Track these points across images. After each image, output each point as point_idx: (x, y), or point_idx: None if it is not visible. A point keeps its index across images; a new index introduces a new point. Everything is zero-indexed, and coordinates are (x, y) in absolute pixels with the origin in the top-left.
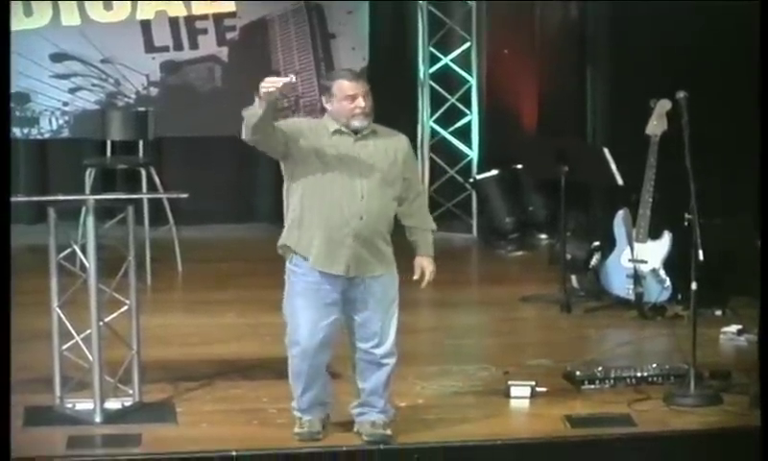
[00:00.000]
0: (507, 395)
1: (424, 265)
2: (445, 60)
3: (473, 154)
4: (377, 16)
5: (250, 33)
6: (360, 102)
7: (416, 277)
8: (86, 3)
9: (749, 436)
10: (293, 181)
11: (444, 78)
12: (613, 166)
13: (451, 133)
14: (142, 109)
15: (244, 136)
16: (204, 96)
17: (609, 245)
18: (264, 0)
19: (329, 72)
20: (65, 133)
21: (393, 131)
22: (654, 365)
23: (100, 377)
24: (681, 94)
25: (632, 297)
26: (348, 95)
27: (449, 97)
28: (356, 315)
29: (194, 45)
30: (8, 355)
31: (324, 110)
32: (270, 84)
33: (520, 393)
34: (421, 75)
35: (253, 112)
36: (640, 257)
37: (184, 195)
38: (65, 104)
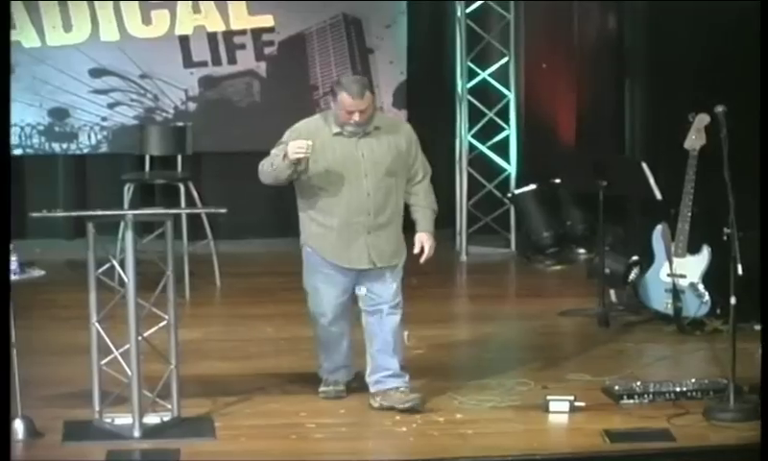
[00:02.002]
0: (545, 409)
1: (424, 240)
2: (483, 74)
3: (511, 168)
4: (415, 31)
5: (288, 47)
6: (356, 117)
7: (416, 250)
8: (125, 19)
9: None
10: (300, 181)
11: (482, 92)
12: (652, 180)
13: (489, 148)
14: (180, 123)
15: (264, 181)
16: (243, 111)
17: (647, 259)
18: (302, 12)
19: (342, 78)
20: (104, 149)
21: (395, 120)
22: (693, 380)
23: (139, 392)
24: (719, 108)
25: (670, 311)
26: (348, 111)
27: (487, 112)
28: (368, 286)
29: (232, 60)
30: (8, 364)
31: None
32: (301, 151)
33: (559, 407)
34: (459, 89)
35: (281, 171)
36: (679, 272)
37: (223, 210)
38: (104, 119)
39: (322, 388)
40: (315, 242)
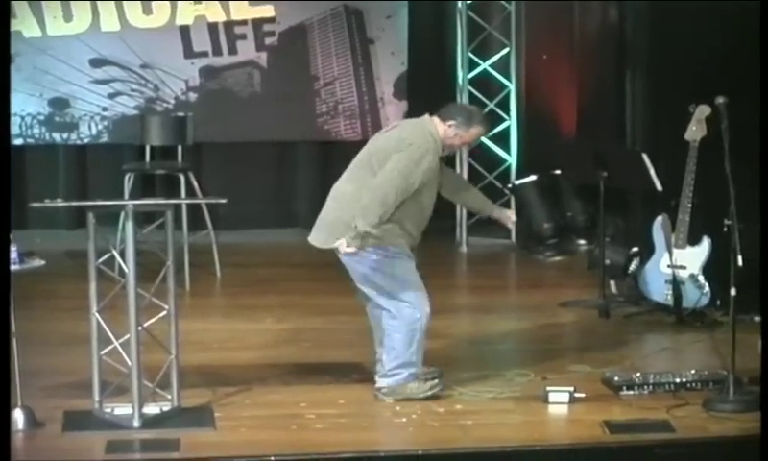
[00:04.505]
0: (545, 400)
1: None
2: (484, 65)
3: (512, 159)
4: (416, 21)
5: (289, 38)
6: (465, 147)
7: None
8: (126, 9)
9: None
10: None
11: (483, 83)
12: (652, 171)
13: (490, 139)
14: (181, 114)
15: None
16: (243, 101)
17: (648, 250)
18: (303, 2)
19: (471, 107)
20: (105, 139)
21: None
22: (693, 371)
23: (138, 382)
24: (720, 99)
25: (671, 302)
26: (467, 141)
27: (488, 102)
28: None
29: (233, 50)
30: (7, 359)
31: (361, 108)
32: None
33: (559, 398)
34: (460, 80)
35: None
36: (679, 263)
37: (223, 200)
38: (105, 109)
39: (427, 392)
40: (397, 240)
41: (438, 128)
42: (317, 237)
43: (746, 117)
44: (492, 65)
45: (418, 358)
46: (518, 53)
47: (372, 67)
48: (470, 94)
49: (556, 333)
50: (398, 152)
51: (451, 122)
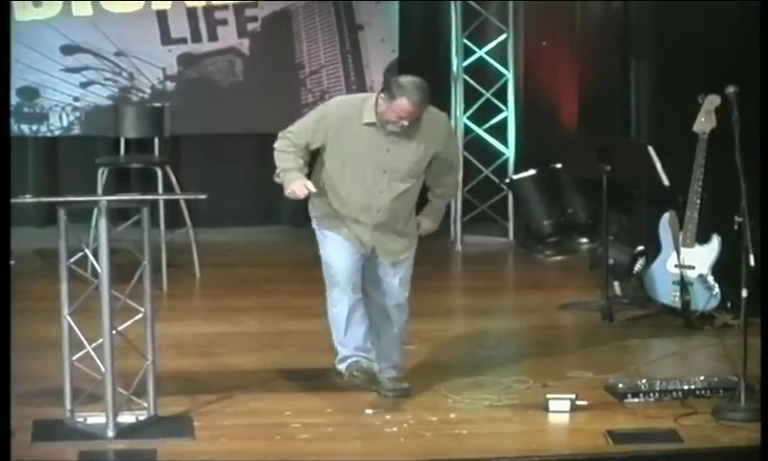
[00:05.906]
0: (545, 408)
1: (422, 222)
2: (480, 52)
3: (510, 152)
4: (408, 6)
5: (272, 24)
6: (405, 122)
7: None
8: None
9: None
10: (322, 156)
11: (479, 71)
12: (659, 165)
13: (486, 131)
14: (158, 104)
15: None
16: (224, 91)
17: (654, 249)
18: None
19: (402, 78)
20: (76, 131)
21: (434, 115)
22: (701, 377)
23: (113, 389)
24: (730, 89)
25: (678, 304)
26: (400, 116)
27: (484, 92)
28: (376, 270)
29: (213, 37)
30: (8, 364)
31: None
32: (299, 195)
33: (559, 406)
34: (455, 68)
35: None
36: (687, 263)
37: (202, 196)
38: (77, 99)
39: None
40: (331, 224)
41: (378, 101)
42: None
43: (758, 109)
44: (488, 53)
45: (341, 339)
46: (517, 40)
47: (361, 55)
48: (465, 83)
49: (556, 337)
50: None
51: (382, 95)
